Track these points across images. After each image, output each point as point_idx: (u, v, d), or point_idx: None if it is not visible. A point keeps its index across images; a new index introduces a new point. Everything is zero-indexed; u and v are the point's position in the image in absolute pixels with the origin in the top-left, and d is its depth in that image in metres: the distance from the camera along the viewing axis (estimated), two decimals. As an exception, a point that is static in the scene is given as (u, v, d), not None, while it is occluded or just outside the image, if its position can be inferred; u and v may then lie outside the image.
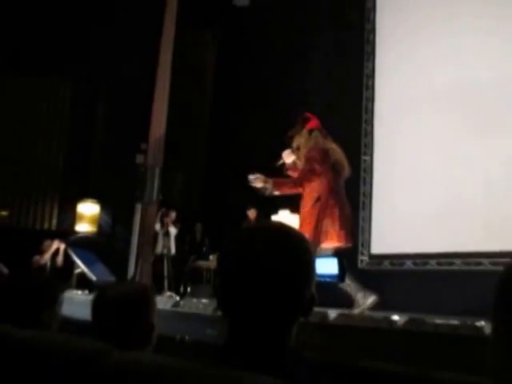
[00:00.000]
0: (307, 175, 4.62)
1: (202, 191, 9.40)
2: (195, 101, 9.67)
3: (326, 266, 3.96)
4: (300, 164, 4.77)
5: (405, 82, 7.26)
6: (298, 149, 4.81)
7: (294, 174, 4.80)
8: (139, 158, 7.38)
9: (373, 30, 7.81)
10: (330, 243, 4.64)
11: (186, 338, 3.69)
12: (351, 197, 7.42)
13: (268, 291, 1.02)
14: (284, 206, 6.06)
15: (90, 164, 9.45)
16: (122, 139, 8.26)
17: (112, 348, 1.21)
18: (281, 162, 4.87)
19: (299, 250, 1.08)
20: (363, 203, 7.45)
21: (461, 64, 6.75)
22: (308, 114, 4.90)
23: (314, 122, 4.84)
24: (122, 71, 8.62)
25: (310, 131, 4.78)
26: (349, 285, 4.44)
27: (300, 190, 4.70)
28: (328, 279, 3.72)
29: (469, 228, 6.24)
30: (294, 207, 6.02)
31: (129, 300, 1.57)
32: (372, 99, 7.68)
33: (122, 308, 1.55)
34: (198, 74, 9.67)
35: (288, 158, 4.85)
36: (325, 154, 4.65)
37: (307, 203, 4.67)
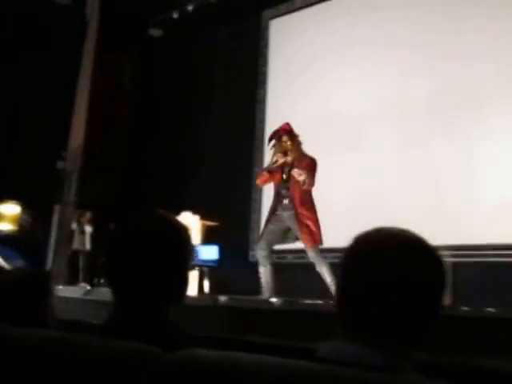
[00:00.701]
0: (312, 175, 4.32)
1: (117, 195, 9.12)
2: (113, 115, 9.39)
3: (208, 253, 3.98)
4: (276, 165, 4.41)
5: (291, 107, 7.41)
6: (286, 152, 4.41)
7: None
8: (59, 164, 7.22)
9: (264, 64, 7.98)
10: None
11: (94, 322, 3.54)
12: (244, 202, 7.57)
13: (144, 273, 1.01)
14: (186, 209, 6.02)
15: (13, 168, 8.88)
16: (45, 148, 7.86)
17: (6, 325, 1.13)
18: (279, 162, 4.39)
19: (175, 239, 1.08)
20: (254, 208, 7.55)
21: (335, 93, 6.98)
22: (287, 123, 4.56)
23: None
24: (46, 86, 8.18)
25: (297, 139, 4.51)
26: (267, 281, 4.38)
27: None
28: (209, 264, 3.76)
29: (338, 228, 6.43)
30: (194, 209, 6.03)
31: (21, 283, 1.50)
32: (263, 121, 7.83)
33: (14, 290, 1.47)
34: (116, 91, 9.40)
35: (281, 159, 4.41)
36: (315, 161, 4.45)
37: (307, 204, 4.39)
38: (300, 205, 4.34)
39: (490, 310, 3.43)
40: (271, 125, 7.68)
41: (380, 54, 6.70)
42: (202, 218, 6.11)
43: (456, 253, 5.69)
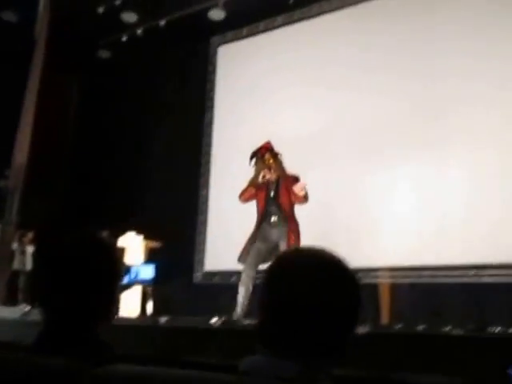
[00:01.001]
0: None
1: (61, 215, 8.86)
2: (59, 134, 9.17)
3: (145, 272, 3.93)
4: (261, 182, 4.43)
5: (238, 130, 7.48)
6: (270, 168, 4.45)
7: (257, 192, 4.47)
8: (1, 183, 6.94)
9: (212, 89, 8.06)
10: None
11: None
12: (190, 224, 7.53)
13: (70, 292, 1.01)
14: (132, 229, 5.94)
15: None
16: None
17: None
18: (267, 177, 4.42)
19: (103, 258, 1.08)
20: (200, 230, 7.52)
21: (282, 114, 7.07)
22: (269, 141, 4.57)
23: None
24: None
25: (278, 157, 4.54)
26: (243, 303, 4.35)
27: None
28: (146, 282, 3.69)
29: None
30: (139, 230, 5.95)
31: None
32: (210, 145, 7.86)
33: None
34: (62, 110, 9.20)
35: (268, 175, 4.44)
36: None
37: (294, 220, 4.39)
38: (290, 221, 4.35)
39: (420, 327, 3.56)
40: (217, 149, 7.75)
41: (326, 75, 6.84)
42: (146, 238, 6.05)
43: (394, 274, 5.86)
